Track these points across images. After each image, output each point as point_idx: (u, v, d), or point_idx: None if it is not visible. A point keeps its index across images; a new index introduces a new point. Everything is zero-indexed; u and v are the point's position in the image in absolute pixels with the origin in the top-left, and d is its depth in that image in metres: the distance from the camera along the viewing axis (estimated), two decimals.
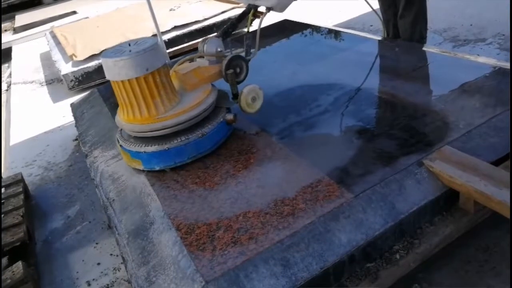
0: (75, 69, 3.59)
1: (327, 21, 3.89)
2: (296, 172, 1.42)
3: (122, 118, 1.63)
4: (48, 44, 4.65)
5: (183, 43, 3.84)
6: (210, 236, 1.22)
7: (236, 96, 1.73)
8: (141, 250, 1.30)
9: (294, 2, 1.85)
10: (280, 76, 2.25)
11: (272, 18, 1.94)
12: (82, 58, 3.66)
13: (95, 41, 4.03)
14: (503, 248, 1.30)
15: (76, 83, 3.61)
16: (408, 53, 2.32)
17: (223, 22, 4.08)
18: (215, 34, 1.84)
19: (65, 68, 3.67)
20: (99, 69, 3.60)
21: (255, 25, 1.85)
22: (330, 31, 2.81)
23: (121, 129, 1.71)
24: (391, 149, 1.46)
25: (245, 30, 1.92)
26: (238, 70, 1.73)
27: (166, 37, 3.81)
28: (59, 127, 3.03)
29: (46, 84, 4.12)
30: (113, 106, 2.38)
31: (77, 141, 2.60)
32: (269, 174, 1.45)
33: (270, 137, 1.68)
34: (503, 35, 2.79)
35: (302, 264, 1.10)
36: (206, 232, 1.24)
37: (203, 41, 1.75)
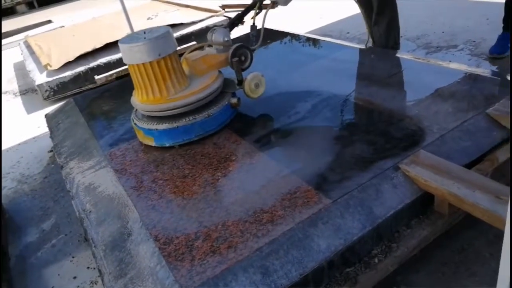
0: (50, 79, 3.52)
1: (306, 28, 3.94)
2: (275, 180, 1.43)
3: (137, 99, 1.80)
4: (22, 54, 4.56)
5: None
6: (188, 246, 1.21)
7: (240, 82, 1.88)
8: (119, 262, 1.28)
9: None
10: None
11: (274, 13, 2.04)
12: (57, 67, 3.60)
13: (71, 50, 3.97)
14: (477, 249, 1.33)
15: (51, 93, 3.54)
16: (383, 60, 2.37)
17: (201, 30, 4.09)
18: (222, 25, 2.00)
19: (40, 78, 3.60)
20: (75, 79, 3.55)
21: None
22: (308, 39, 2.84)
23: (136, 110, 1.89)
24: (368, 154, 1.48)
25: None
26: (243, 58, 1.88)
27: None
28: (33, 138, 2.96)
29: (20, 95, 4.02)
30: (90, 116, 2.35)
31: (52, 153, 2.54)
32: (248, 182, 1.45)
33: (250, 144, 1.68)
34: (474, 41, 2.88)
35: (281, 272, 1.10)
36: (184, 242, 1.23)
37: (211, 31, 1.89)
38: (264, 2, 1.98)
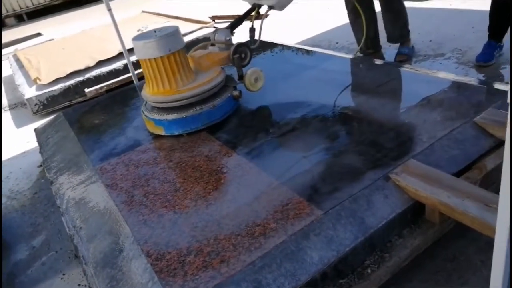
0: (39, 92, 3.50)
1: (296, 39, 3.97)
2: (267, 191, 1.43)
3: (147, 91, 1.97)
4: (11, 68, 4.53)
5: None
6: (180, 262, 1.20)
7: (241, 77, 2.07)
8: (110, 279, 1.26)
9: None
10: (249, 94, 2.27)
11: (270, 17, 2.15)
12: (46, 82, 3.58)
13: (60, 63, 3.96)
14: (468, 257, 1.34)
15: (41, 107, 3.52)
16: (372, 70, 2.40)
17: (192, 42, 4.10)
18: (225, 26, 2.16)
19: (29, 92, 3.57)
20: (65, 92, 3.53)
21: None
22: (297, 49, 2.86)
23: (145, 103, 2.07)
24: (359, 164, 1.49)
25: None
26: (243, 55, 2.06)
27: (134, 58, 3.77)
28: (23, 153, 2.93)
29: (9, 109, 3.99)
30: (80, 130, 2.34)
31: (42, 168, 2.52)
32: (240, 195, 1.45)
33: (241, 156, 1.68)
34: (460, 50, 2.92)
35: (274, 285, 1.10)
36: (176, 257, 1.22)
37: (214, 32, 2.10)
38: (262, 8, 2.16)
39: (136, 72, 3.25)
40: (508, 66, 2.50)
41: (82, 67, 3.71)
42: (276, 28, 4.47)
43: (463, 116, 1.64)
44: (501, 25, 2.51)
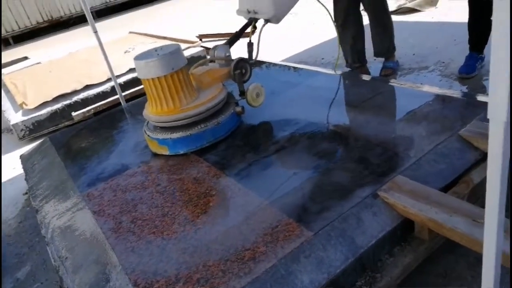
0: (26, 118, 3.47)
1: (282, 56, 4.01)
2: (256, 213, 1.41)
3: (150, 111, 1.95)
4: None
5: (139, 85, 3.82)
6: None
7: (242, 93, 2.08)
8: None
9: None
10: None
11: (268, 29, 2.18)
12: (33, 106, 3.55)
13: (47, 87, 3.93)
14: (459, 272, 1.33)
15: (27, 133, 3.48)
16: (357, 85, 2.42)
17: None
18: (224, 42, 2.16)
19: (15, 117, 3.54)
20: (51, 116, 3.50)
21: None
22: (283, 66, 2.89)
23: (147, 122, 2.06)
24: (347, 182, 1.49)
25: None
26: (243, 71, 2.06)
27: (121, 80, 3.77)
28: (8, 180, 2.87)
29: None
30: (67, 156, 2.31)
31: (28, 195, 2.47)
32: (229, 218, 1.43)
33: (229, 178, 1.67)
34: (443, 62, 2.97)
35: None
36: (165, 285, 1.19)
37: (213, 48, 2.09)
38: (258, 22, 2.18)
39: (123, 94, 3.24)
40: (486, 78, 2.54)
41: (69, 90, 3.69)
42: (261, 46, 4.50)
43: (448, 129, 1.66)
44: (481, 37, 2.56)
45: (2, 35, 9.04)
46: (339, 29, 2.93)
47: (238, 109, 2.02)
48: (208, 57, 2.17)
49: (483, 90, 2.46)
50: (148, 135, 1.98)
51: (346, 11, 2.83)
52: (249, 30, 2.15)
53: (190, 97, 1.91)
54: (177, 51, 1.85)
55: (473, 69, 2.59)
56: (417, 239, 1.31)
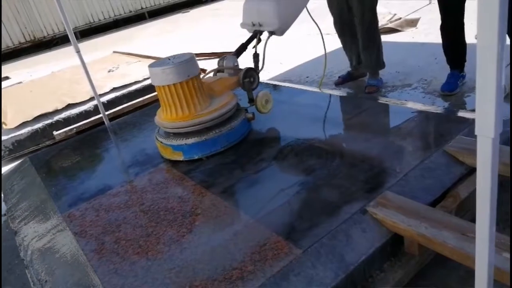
0: (5, 137, 3.37)
1: (267, 74, 4.03)
2: (243, 232, 1.38)
3: (164, 118, 2.00)
4: None
5: (122, 104, 3.77)
6: None
7: (252, 100, 2.16)
8: None
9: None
10: None
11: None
12: (13, 126, 3.46)
13: (28, 106, 3.85)
14: (450, 286, 1.32)
15: (6, 153, 3.37)
16: (342, 103, 2.44)
17: None
18: (232, 52, 2.26)
19: None
20: (32, 136, 3.42)
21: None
22: (269, 85, 2.90)
23: (158, 130, 2.10)
24: (335, 198, 1.47)
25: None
26: (252, 79, 2.15)
27: (104, 99, 3.73)
28: None
29: None
30: (47, 175, 2.24)
31: (6, 217, 2.38)
32: (215, 237, 1.40)
33: (215, 196, 1.64)
34: (426, 80, 3.03)
35: None
36: None
37: (222, 58, 2.19)
38: (264, 33, 2.26)
39: (107, 112, 3.20)
40: (472, 94, 2.60)
41: (50, 109, 3.62)
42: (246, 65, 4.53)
43: (433, 144, 1.68)
44: (457, 57, 2.65)
45: None
46: (340, 38, 3.13)
47: (249, 115, 2.09)
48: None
49: (465, 107, 2.51)
50: (161, 142, 2.00)
51: (340, 21, 3.02)
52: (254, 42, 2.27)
53: (204, 104, 1.96)
54: (192, 59, 1.92)
55: (455, 86, 2.65)
56: (407, 254, 1.30)
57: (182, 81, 1.87)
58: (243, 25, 2.34)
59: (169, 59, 1.93)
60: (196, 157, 1.94)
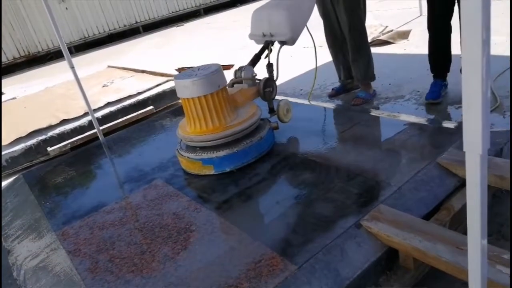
0: None
1: None
2: (238, 248, 1.38)
3: (191, 131, 1.94)
4: None
5: (116, 119, 3.78)
6: None
7: (272, 109, 2.19)
8: None
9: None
10: None
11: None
12: (6, 143, 3.45)
13: (21, 122, 3.84)
14: None
15: None
16: (336, 116, 2.45)
17: (158, 95, 4.11)
18: (248, 62, 2.24)
19: None
20: (26, 152, 3.40)
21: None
22: None
23: (180, 144, 2.05)
24: (330, 212, 1.48)
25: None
26: (271, 89, 2.16)
27: (99, 114, 3.73)
28: None
29: None
30: (41, 193, 2.23)
31: None
32: (210, 253, 1.39)
33: (210, 211, 1.63)
34: (418, 91, 3.05)
35: None
36: None
37: (239, 69, 2.18)
38: (275, 44, 2.28)
39: (101, 128, 3.20)
40: (458, 106, 2.62)
41: (44, 125, 3.61)
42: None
43: (426, 157, 1.68)
44: (440, 65, 2.73)
45: None
46: (330, 50, 3.12)
47: (274, 124, 2.10)
48: None
49: (457, 118, 2.53)
50: (188, 157, 1.94)
51: (330, 33, 3.04)
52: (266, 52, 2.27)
53: (232, 115, 1.95)
54: (220, 69, 1.90)
55: (438, 95, 2.71)
56: (403, 268, 1.29)
57: (213, 92, 1.85)
58: (252, 36, 2.35)
59: (193, 71, 1.90)
60: (228, 170, 1.89)
